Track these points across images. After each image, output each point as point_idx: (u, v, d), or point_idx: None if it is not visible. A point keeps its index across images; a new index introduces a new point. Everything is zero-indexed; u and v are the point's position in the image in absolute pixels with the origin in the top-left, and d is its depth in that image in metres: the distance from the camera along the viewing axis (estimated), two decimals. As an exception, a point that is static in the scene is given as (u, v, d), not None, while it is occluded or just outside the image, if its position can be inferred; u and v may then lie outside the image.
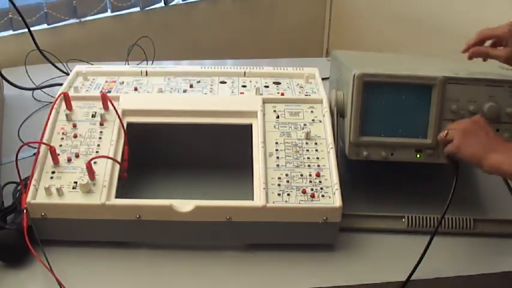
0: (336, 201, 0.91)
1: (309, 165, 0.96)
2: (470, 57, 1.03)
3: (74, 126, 1.01)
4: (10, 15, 1.71)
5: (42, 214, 0.90)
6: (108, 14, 2.01)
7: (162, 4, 2.17)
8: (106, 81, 1.13)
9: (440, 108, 0.98)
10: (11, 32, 1.74)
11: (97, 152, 0.97)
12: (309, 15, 2.83)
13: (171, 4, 2.21)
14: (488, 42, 1.03)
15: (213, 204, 0.91)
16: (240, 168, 0.99)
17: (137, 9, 2.09)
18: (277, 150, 0.99)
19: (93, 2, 1.93)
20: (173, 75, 1.17)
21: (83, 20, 1.93)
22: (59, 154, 0.96)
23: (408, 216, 1.00)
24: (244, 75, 1.17)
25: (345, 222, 0.95)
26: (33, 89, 1.44)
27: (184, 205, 0.91)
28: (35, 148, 0.97)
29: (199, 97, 1.09)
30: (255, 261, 0.93)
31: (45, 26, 1.83)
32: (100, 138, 0.99)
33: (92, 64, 1.34)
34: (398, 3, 2.48)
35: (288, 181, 0.94)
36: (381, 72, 0.98)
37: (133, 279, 0.89)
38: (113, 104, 1.01)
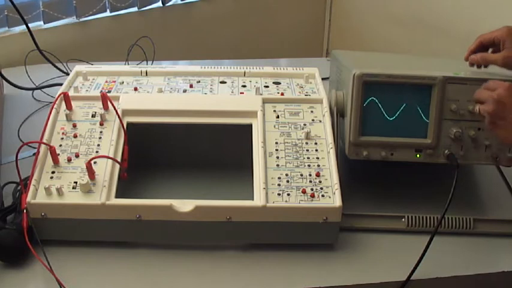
0: (336, 201, 0.91)
1: (309, 165, 0.96)
2: (471, 64, 1.03)
3: (74, 126, 1.01)
4: (6, 13, 1.71)
5: (42, 214, 0.90)
6: (108, 14, 2.01)
7: (160, 4, 2.17)
8: (106, 81, 1.13)
9: (440, 108, 0.98)
10: (6, 29, 1.74)
11: (97, 152, 0.97)
12: (309, 15, 2.83)
13: (171, 4, 2.21)
14: (490, 50, 1.02)
15: (213, 204, 0.91)
16: (240, 168, 0.99)
17: (136, 9, 2.09)
18: (277, 150, 0.99)
19: (92, 2, 1.93)
20: (173, 75, 1.17)
21: (82, 19, 1.93)
22: (59, 154, 0.96)
23: (408, 216, 1.00)
24: (244, 75, 1.17)
25: (345, 222, 0.95)
26: (33, 89, 1.44)
27: (184, 205, 0.91)
28: (35, 148, 0.97)
29: (199, 97, 1.09)
30: (255, 261, 0.93)
31: (41, 23, 1.83)
32: (100, 138, 0.99)
33: (92, 64, 1.34)
34: (398, 3, 2.48)
35: (288, 181, 0.94)
36: (381, 72, 0.98)
37: (133, 279, 0.89)
38: (113, 104, 1.01)
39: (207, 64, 1.35)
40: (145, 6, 2.11)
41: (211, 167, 1.06)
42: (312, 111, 1.05)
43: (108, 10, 2.00)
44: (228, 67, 1.19)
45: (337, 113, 1.05)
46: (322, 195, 0.92)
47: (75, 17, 1.90)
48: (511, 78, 0.98)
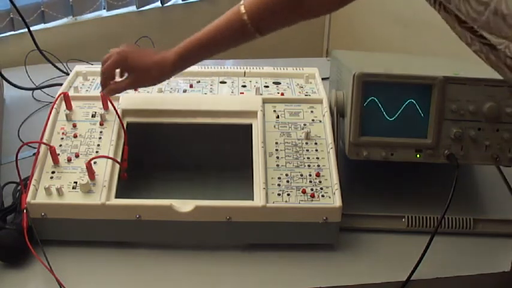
0: (336, 201, 0.91)
1: (309, 165, 0.96)
2: (105, 95, 1.01)
3: (74, 126, 1.01)
4: (11, 16, 1.71)
5: (42, 214, 0.90)
6: (107, 13, 2.01)
7: (159, 4, 2.16)
8: (106, 81, 1.13)
9: (440, 108, 0.98)
10: (11, 32, 1.74)
11: (97, 152, 0.97)
12: (309, 15, 2.82)
13: (171, 4, 2.21)
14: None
15: (213, 204, 0.91)
16: (240, 168, 0.99)
17: (137, 8, 2.09)
18: (277, 150, 0.99)
19: (88, 0, 1.93)
20: (173, 75, 1.17)
21: (82, 19, 1.93)
22: (59, 154, 0.96)
23: (408, 216, 1.00)
24: (244, 75, 1.17)
25: (345, 222, 0.95)
26: (33, 89, 1.44)
27: (184, 205, 0.91)
28: (35, 148, 0.97)
29: (199, 97, 1.09)
30: (255, 261, 0.93)
31: (42, 25, 1.83)
32: (100, 138, 0.99)
33: (92, 64, 1.34)
34: (398, 3, 2.48)
35: (288, 181, 0.94)
36: (381, 72, 0.98)
37: (133, 279, 0.89)
38: (112, 104, 1.01)
39: (207, 64, 1.34)
40: (143, 6, 2.11)
41: (211, 167, 1.06)
42: (312, 111, 1.05)
43: (104, 9, 2.00)
44: (228, 67, 1.19)
45: (337, 113, 1.05)
46: (322, 196, 0.92)
47: (71, 16, 1.90)
48: None
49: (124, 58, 0.97)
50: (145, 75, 0.97)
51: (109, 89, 0.99)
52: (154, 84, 1.01)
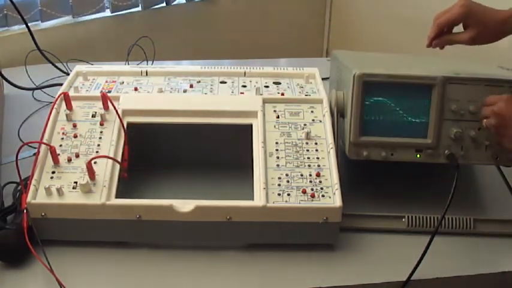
0: (336, 201, 0.91)
1: (309, 165, 0.96)
2: (435, 46, 1.04)
3: (74, 126, 1.01)
4: (5, 12, 1.70)
5: (42, 214, 0.90)
6: (108, 13, 2.01)
7: (163, 4, 2.17)
8: (106, 81, 1.13)
9: (440, 108, 0.98)
10: (6, 28, 1.74)
11: (97, 152, 0.97)
12: (309, 15, 2.83)
13: (172, 4, 2.21)
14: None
15: (213, 204, 0.91)
16: (240, 168, 0.99)
17: (138, 8, 2.09)
18: (277, 150, 0.99)
19: (91, 1, 1.93)
20: (173, 75, 1.17)
21: (82, 19, 1.93)
22: (59, 154, 0.96)
23: (408, 216, 1.00)
24: (244, 75, 1.17)
25: (345, 222, 0.95)
26: (33, 89, 1.44)
27: (185, 205, 0.91)
28: (35, 148, 0.97)
29: (199, 97, 1.09)
30: (255, 261, 0.93)
31: (39, 23, 1.83)
32: (100, 138, 0.99)
33: (92, 64, 1.34)
34: (398, 3, 2.48)
35: (288, 181, 0.94)
36: (381, 72, 0.98)
37: (133, 279, 0.89)
38: (113, 104, 1.01)
39: (207, 64, 1.35)
40: (149, 7, 2.11)
41: (211, 167, 1.06)
42: (312, 111, 1.05)
43: (108, 10, 2.00)
44: (228, 67, 1.19)
45: (337, 113, 1.05)
46: (323, 195, 0.92)
47: (71, 16, 1.90)
48: (509, 78, 0.98)
49: (468, 11, 0.96)
50: (488, 33, 0.97)
51: (443, 40, 0.99)
52: (493, 42, 0.99)
